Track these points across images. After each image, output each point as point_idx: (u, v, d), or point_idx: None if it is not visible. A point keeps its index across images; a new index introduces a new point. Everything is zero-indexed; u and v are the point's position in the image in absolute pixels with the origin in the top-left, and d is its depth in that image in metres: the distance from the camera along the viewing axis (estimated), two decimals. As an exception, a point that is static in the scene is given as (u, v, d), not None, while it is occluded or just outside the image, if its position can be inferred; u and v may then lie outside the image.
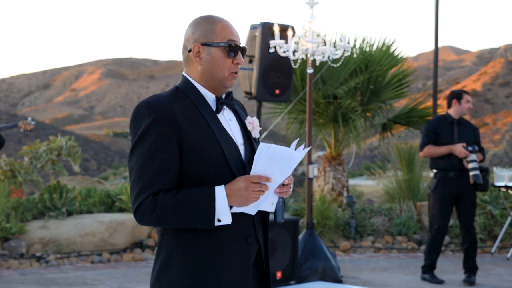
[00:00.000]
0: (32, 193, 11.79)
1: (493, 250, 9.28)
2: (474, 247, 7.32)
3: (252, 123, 2.61)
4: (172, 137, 2.40)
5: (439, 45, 9.72)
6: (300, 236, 7.24)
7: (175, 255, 2.44)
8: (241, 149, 2.54)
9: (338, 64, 8.85)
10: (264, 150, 2.38)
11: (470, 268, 7.37)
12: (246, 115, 2.68)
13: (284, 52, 6.94)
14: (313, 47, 7.02)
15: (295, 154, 2.42)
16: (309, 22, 7.09)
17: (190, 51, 2.54)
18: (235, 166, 2.47)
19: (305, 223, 7.60)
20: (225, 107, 2.57)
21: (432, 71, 9.63)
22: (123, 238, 8.83)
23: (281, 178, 2.44)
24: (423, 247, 9.51)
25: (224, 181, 2.42)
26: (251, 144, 2.58)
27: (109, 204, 9.64)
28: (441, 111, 10.38)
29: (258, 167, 2.39)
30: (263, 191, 2.39)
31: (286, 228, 6.76)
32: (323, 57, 7.10)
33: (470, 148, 7.14)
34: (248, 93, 7.32)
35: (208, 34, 2.51)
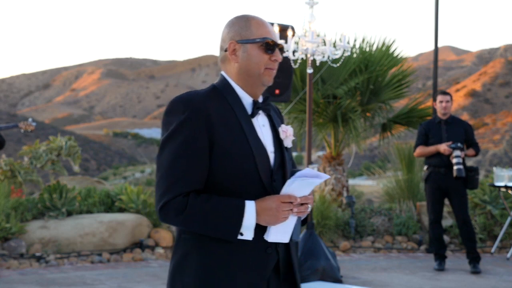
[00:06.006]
0: (32, 193, 11.80)
1: (493, 250, 9.28)
2: (473, 238, 7.91)
3: (286, 131, 2.51)
4: (204, 136, 2.33)
5: (439, 45, 9.72)
6: (300, 236, 7.22)
7: (191, 255, 2.39)
8: (271, 157, 2.45)
9: (338, 64, 8.85)
10: (299, 180, 2.35)
11: (474, 258, 7.97)
12: (282, 122, 2.59)
13: (284, 52, 6.94)
14: (313, 47, 7.02)
15: (318, 178, 2.38)
16: (309, 22, 7.09)
17: (226, 50, 2.48)
18: (264, 174, 2.40)
19: (305, 223, 7.60)
20: (260, 111, 2.48)
21: (432, 71, 9.63)
22: (123, 238, 8.83)
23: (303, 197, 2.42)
24: (423, 247, 9.51)
25: (252, 189, 2.37)
26: (282, 152, 2.49)
27: (109, 204, 9.64)
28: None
29: (288, 189, 2.37)
30: (292, 210, 2.36)
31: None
32: (323, 57, 7.10)
33: (452, 146, 7.78)
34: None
35: (243, 31, 2.46)
